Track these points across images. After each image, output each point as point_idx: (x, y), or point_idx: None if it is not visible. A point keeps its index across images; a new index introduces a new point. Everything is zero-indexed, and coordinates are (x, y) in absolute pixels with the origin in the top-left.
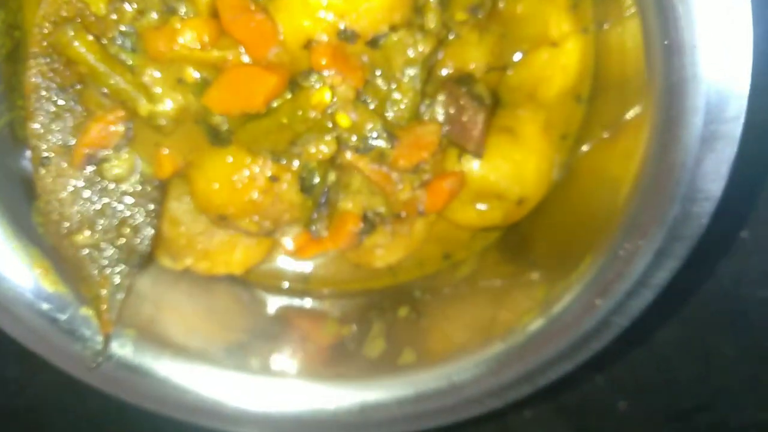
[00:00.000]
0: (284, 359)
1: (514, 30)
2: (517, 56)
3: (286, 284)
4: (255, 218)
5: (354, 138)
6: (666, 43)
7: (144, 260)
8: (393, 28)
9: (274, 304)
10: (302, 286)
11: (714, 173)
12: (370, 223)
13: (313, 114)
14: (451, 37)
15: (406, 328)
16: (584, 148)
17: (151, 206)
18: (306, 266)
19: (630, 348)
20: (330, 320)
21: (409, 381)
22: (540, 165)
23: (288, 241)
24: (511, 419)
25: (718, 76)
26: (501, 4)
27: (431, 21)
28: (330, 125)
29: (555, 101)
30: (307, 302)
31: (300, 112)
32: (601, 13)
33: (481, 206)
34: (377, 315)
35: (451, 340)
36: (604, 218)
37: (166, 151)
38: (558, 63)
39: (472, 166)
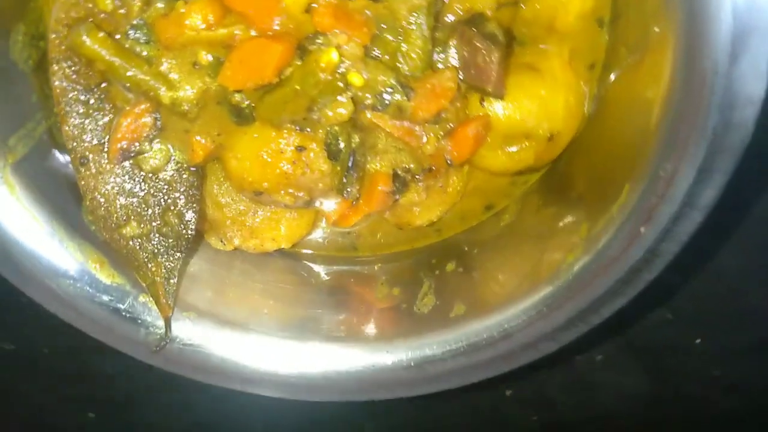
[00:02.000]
0: (340, 325)
1: None
2: None
3: (335, 254)
4: (290, 190)
5: (369, 96)
6: None
7: (190, 244)
8: None
9: (326, 274)
10: (351, 253)
11: (752, 73)
12: (401, 181)
13: (323, 76)
14: None
15: (454, 283)
16: (613, 75)
17: (191, 191)
18: (351, 234)
19: (692, 279)
20: (380, 283)
21: (462, 333)
22: (568, 98)
23: (329, 210)
24: (580, 363)
25: None
26: None
27: None
28: (342, 86)
29: (576, 28)
30: (357, 268)
31: (311, 77)
32: None
33: (511, 148)
34: (426, 273)
35: (499, 288)
36: (640, 143)
37: (196, 138)
38: None
39: (496, 107)
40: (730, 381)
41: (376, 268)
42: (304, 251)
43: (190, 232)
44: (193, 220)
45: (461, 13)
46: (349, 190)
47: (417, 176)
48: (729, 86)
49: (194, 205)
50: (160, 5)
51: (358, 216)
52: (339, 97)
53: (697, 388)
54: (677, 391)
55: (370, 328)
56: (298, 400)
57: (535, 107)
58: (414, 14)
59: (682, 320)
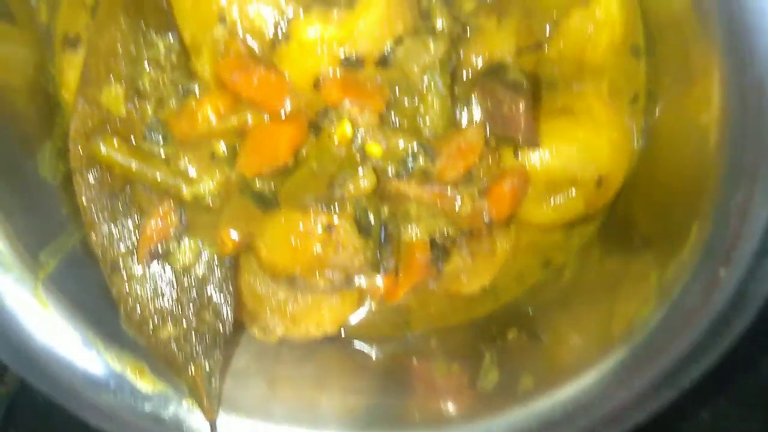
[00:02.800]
0: (401, 411)
1: (536, 4)
2: (549, 30)
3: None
4: (325, 272)
5: (392, 164)
6: None
7: (228, 341)
8: (398, 41)
9: (379, 354)
10: (404, 331)
11: None
12: (440, 248)
13: (339, 151)
14: (468, 36)
15: (518, 352)
16: (660, 105)
17: (225, 285)
18: (401, 309)
19: None
20: (439, 360)
21: (532, 410)
22: (611, 136)
23: (371, 287)
24: (686, 427)
25: None
26: None
27: (439, 20)
28: (360, 158)
29: (609, 61)
30: (412, 346)
31: (326, 153)
32: None
33: (557, 198)
34: (486, 344)
35: (569, 354)
36: (702, 173)
37: (223, 229)
38: (597, 19)
39: (532, 157)
40: None
41: (432, 343)
42: (355, 335)
43: (227, 328)
44: (230, 315)
45: (480, 64)
46: (385, 264)
47: (457, 241)
48: None
49: (229, 299)
50: (173, 103)
51: (405, 288)
52: (359, 170)
53: None
54: None
55: (432, 412)
56: None
57: (575, 151)
58: (428, 73)
59: None
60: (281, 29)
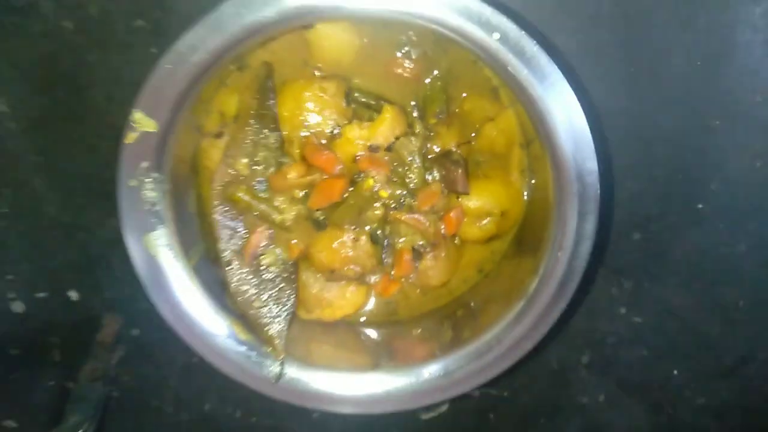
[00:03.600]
0: (391, 360)
1: (467, 120)
2: (474, 134)
3: (383, 319)
4: (351, 266)
5: (393, 202)
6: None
7: (293, 313)
8: (397, 138)
9: (377, 333)
10: (394, 317)
11: (587, 166)
12: (417, 253)
13: (366, 194)
14: (432, 135)
15: (463, 321)
16: (534, 177)
17: (291, 277)
18: (391, 303)
19: (651, 319)
20: (415, 333)
21: (472, 347)
22: (508, 191)
23: (375, 283)
24: (589, 405)
25: None
26: (454, 107)
27: (417, 128)
28: (376, 198)
29: (507, 151)
30: (398, 328)
31: (359, 195)
32: (512, 99)
33: (481, 223)
34: (445, 319)
35: (491, 316)
36: (549, 212)
37: (293, 241)
38: (498, 127)
39: (467, 201)
40: (714, 406)
41: (411, 325)
42: (361, 320)
43: (292, 301)
44: (294, 296)
45: (438, 150)
46: (386, 260)
47: (427, 249)
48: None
49: (293, 284)
50: (272, 169)
51: (395, 287)
52: (375, 204)
53: (688, 416)
54: (674, 423)
55: (412, 358)
56: (370, 416)
57: (490, 197)
58: (411, 155)
59: (656, 355)
60: (336, 131)
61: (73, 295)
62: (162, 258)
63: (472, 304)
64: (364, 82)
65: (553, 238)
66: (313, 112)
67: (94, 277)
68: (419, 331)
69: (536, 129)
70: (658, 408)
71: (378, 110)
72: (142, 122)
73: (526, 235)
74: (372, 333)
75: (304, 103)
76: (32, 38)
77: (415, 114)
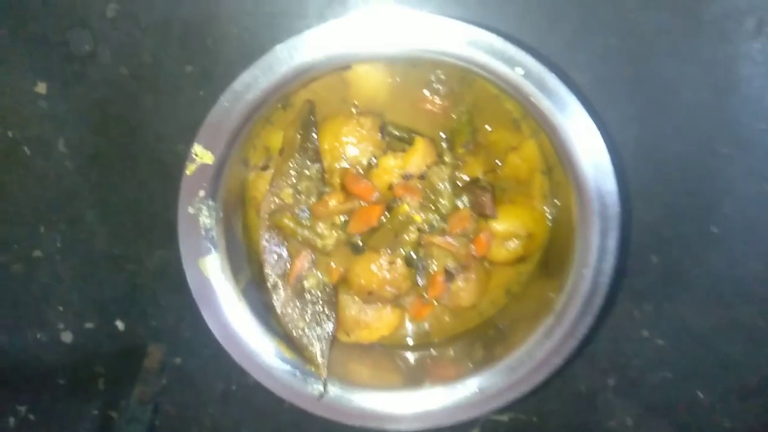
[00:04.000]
0: (426, 379)
1: (492, 150)
2: (499, 162)
3: (417, 342)
4: (387, 288)
5: (426, 226)
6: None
7: (333, 333)
8: (428, 167)
9: (412, 357)
10: (427, 340)
11: (609, 198)
12: (449, 274)
13: (401, 218)
14: (460, 164)
15: (494, 339)
16: (557, 201)
17: (332, 299)
18: (424, 327)
19: (672, 342)
20: (448, 354)
21: (505, 362)
22: (533, 214)
23: (410, 306)
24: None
25: None
26: (480, 138)
27: (447, 158)
28: (411, 223)
29: (530, 177)
30: (432, 351)
31: (395, 220)
32: (532, 130)
33: (508, 245)
34: (476, 340)
35: (522, 333)
36: (571, 234)
37: (333, 265)
38: (521, 156)
39: (494, 224)
40: (741, 428)
41: (444, 347)
42: (397, 343)
43: (333, 322)
44: (334, 315)
45: (466, 178)
46: (420, 282)
47: (458, 270)
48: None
49: (334, 306)
50: (314, 198)
51: (428, 310)
52: (410, 228)
53: None
54: None
55: (447, 376)
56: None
57: (516, 220)
58: (442, 182)
59: (681, 376)
60: (372, 162)
61: (120, 325)
62: (214, 280)
63: (500, 325)
64: (397, 117)
65: (577, 256)
66: (351, 145)
67: (140, 307)
68: (451, 352)
69: (558, 154)
70: (685, 431)
71: (410, 142)
72: (201, 155)
73: (551, 257)
74: (407, 355)
75: (343, 137)
76: (91, 84)
77: (444, 145)
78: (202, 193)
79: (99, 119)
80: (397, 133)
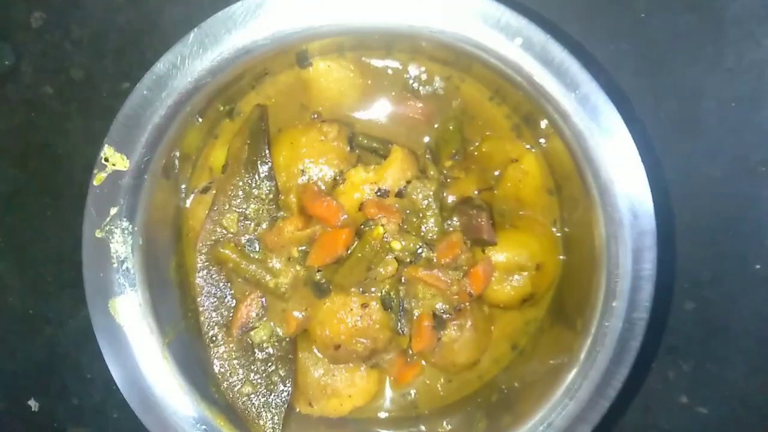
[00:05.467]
0: None
1: (487, 163)
2: (496, 179)
3: (400, 414)
4: (360, 340)
5: (408, 255)
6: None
7: (290, 401)
8: (408, 182)
9: None
10: (413, 412)
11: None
12: (439, 319)
13: (375, 243)
14: (449, 181)
15: (500, 406)
16: (569, 228)
17: (288, 356)
18: (410, 395)
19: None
20: (442, 430)
21: None
22: (542, 241)
23: (390, 365)
24: None
25: None
26: (471, 148)
27: (431, 171)
28: (388, 251)
29: (534, 197)
30: (422, 427)
31: (367, 245)
32: (537, 135)
33: (512, 280)
34: (477, 408)
35: (536, 396)
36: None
37: (291, 312)
38: (522, 170)
39: (493, 253)
40: None
41: (436, 423)
42: (375, 416)
43: (289, 387)
44: (291, 378)
45: (456, 198)
46: (402, 329)
47: (450, 315)
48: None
49: (291, 366)
50: (264, 225)
51: (414, 371)
52: (387, 257)
53: None
54: None
55: None
56: None
57: (521, 248)
58: (426, 200)
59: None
60: (339, 177)
61: (33, 404)
62: (129, 329)
63: (505, 388)
64: (369, 127)
65: (603, 289)
66: (312, 158)
67: (60, 380)
68: (447, 427)
69: (574, 158)
70: None
71: (386, 155)
72: (113, 159)
73: (566, 297)
74: None
75: (302, 148)
76: (10, 106)
77: (428, 157)
78: (113, 210)
79: (18, 149)
80: (369, 143)
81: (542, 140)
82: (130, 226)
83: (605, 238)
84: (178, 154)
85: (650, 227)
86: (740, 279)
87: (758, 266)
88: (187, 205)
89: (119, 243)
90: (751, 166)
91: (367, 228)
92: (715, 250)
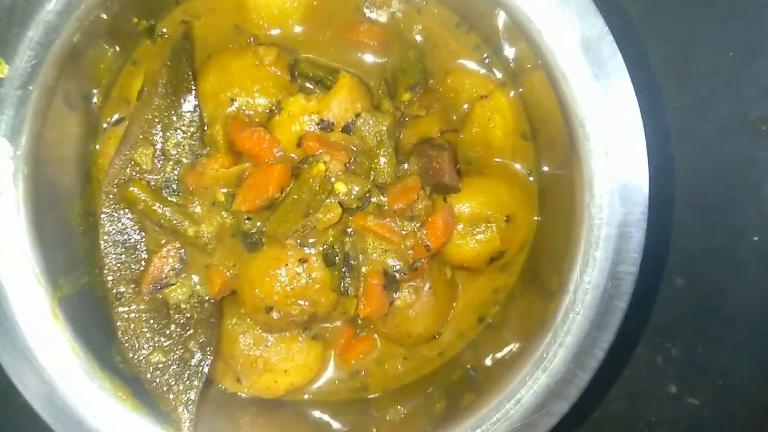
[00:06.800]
0: None
1: (452, 101)
2: (462, 119)
3: (347, 397)
4: (297, 301)
5: (353, 201)
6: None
7: (209, 372)
8: (357, 116)
9: (340, 422)
10: (363, 394)
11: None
12: (391, 278)
13: (315, 184)
14: (407, 120)
15: (461, 384)
16: (545, 168)
17: (211, 321)
18: (360, 374)
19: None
20: (394, 417)
21: (478, 415)
22: (513, 190)
23: (335, 336)
24: None
25: None
26: (432, 82)
27: (385, 104)
28: (330, 193)
29: (506, 142)
30: (370, 411)
31: (305, 185)
32: (511, 69)
33: (479, 235)
34: (435, 389)
35: (503, 371)
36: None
37: (214, 269)
38: (493, 107)
39: (458, 203)
40: None
41: (389, 408)
42: (317, 400)
43: (209, 356)
44: (213, 349)
45: (414, 139)
46: (347, 288)
47: (404, 273)
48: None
49: (213, 331)
50: (185, 161)
51: (364, 345)
52: (328, 200)
53: None
54: None
55: None
56: None
57: (488, 198)
58: (378, 137)
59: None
60: (276, 108)
61: None
62: (6, 277)
63: (470, 368)
64: (315, 54)
65: (583, 236)
66: (244, 86)
67: None
68: (402, 411)
69: (558, 95)
70: None
71: (332, 85)
72: None
73: (539, 262)
74: (332, 421)
75: (234, 74)
76: None
77: (383, 88)
78: None
79: None
80: (313, 72)
81: (516, 76)
82: (12, 149)
83: (588, 178)
84: (81, 74)
85: (641, 164)
86: (736, 252)
87: (756, 238)
88: (97, 144)
89: None
90: (751, 123)
91: (306, 166)
92: (709, 219)
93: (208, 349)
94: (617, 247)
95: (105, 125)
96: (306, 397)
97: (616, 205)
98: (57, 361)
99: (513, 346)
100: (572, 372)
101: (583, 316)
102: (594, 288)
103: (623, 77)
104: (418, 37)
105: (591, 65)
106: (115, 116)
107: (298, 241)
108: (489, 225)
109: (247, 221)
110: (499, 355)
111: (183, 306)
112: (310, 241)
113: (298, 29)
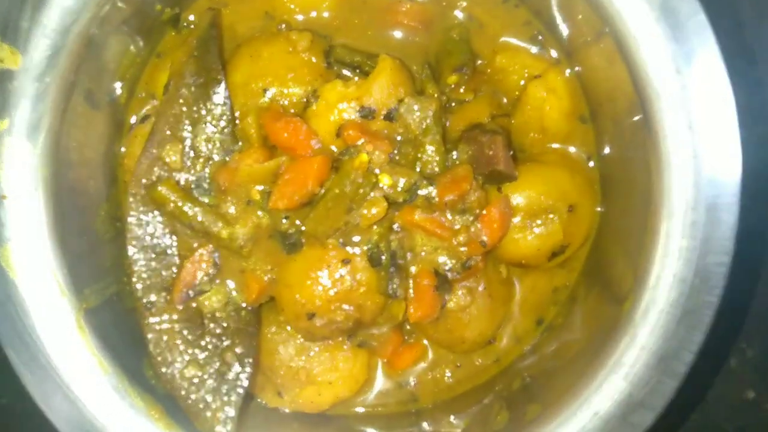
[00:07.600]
0: None
1: (501, 82)
2: (514, 100)
3: (396, 410)
4: (341, 306)
5: (399, 195)
6: None
7: (251, 388)
8: (400, 102)
9: None
10: (412, 406)
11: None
12: (442, 279)
13: (358, 177)
14: (453, 105)
15: (524, 394)
16: (607, 151)
17: (249, 330)
18: (409, 385)
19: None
20: (452, 427)
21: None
22: (575, 178)
23: (381, 343)
24: None
25: None
26: (480, 63)
27: (429, 89)
28: (374, 187)
29: (563, 125)
30: (425, 425)
31: (346, 177)
32: (565, 46)
33: (539, 228)
34: (495, 399)
35: (571, 378)
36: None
37: (250, 273)
38: (548, 88)
39: (514, 191)
40: None
41: (443, 422)
42: (365, 414)
43: (248, 369)
44: (251, 358)
45: (462, 126)
46: (395, 290)
47: (456, 272)
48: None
49: (252, 342)
50: (216, 158)
51: (414, 352)
52: (372, 194)
53: None
54: None
55: None
56: None
57: (548, 187)
58: (424, 123)
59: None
60: (312, 97)
61: None
62: (27, 287)
63: (527, 377)
64: (352, 39)
65: (663, 223)
66: (277, 74)
67: None
68: (456, 424)
69: (629, 63)
70: None
71: (371, 71)
72: (2, 56)
73: (604, 257)
74: None
75: (265, 62)
76: None
77: (427, 72)
78: (2, 124)
79: None
80: (350, 58)
81: (572, 53)
82: (31, 146)
83: (666, 158)
84: (102, 68)
85: (732, 139)
86: None
87: None
88: (122, 146)
89: (13, 169)
90: None
91: (347, 157)
92: None
93: (246, 360)
94: (705, 235)
95: (131, 124)
96: (354, 410)
97: (703, 187)
98: (83, 378)
99: (579, 351)
100: (657, 378)
101: (668, 314)
102: (680, 282)
103: (708, 39)
104: (463, 15)
105: (669, 27)
106: (141, 113)
107: (341, 240)
108: (550, 216)
109: (284, 220)
110: (563, 361)
111: (218, 315)
112: (354, 239)
113: (331, 13)
